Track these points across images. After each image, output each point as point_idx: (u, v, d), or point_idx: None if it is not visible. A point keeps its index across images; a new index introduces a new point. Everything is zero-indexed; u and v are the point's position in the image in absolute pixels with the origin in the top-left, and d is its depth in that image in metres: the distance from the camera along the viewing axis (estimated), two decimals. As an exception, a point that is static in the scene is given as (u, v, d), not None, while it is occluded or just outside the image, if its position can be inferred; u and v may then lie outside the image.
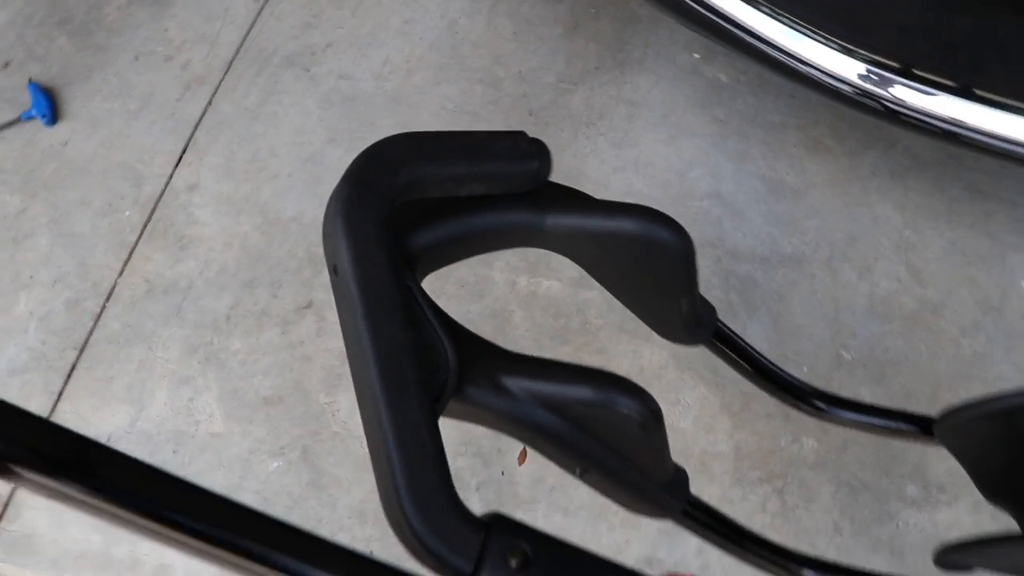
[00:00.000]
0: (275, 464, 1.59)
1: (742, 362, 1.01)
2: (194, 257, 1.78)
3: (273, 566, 0.53)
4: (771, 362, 1.03)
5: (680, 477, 0.83)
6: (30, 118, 1.93)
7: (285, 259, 1.80)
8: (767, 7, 1.67)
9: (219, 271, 1.77)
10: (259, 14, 2.15)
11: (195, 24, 2.13)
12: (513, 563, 0.57)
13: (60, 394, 1.63)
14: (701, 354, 1.74)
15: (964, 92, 1.62)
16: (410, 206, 0.78)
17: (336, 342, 1.70)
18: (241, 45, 2.09)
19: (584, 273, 0.90)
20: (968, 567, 0.92)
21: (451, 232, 0.81)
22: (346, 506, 1.56)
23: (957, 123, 1.64)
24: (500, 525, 0.58)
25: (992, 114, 1.62)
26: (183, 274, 1.77)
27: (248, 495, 1.55)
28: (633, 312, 0.90)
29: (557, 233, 0.82)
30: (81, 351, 1.68)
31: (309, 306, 1.74)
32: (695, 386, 1.70)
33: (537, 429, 0.73)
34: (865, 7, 1.60)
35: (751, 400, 1.70)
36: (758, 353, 1.02)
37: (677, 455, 0.92)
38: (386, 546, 1.52)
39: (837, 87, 1.68)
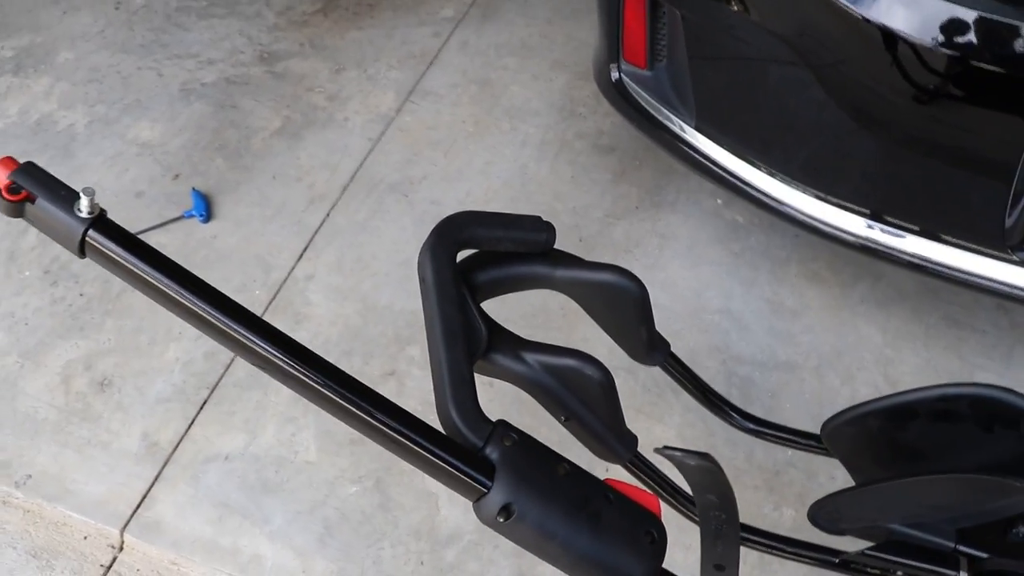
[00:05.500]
0: (354, 488, 2.01)
1: (688, 383, 1.41)
2: (306, 329, 2.26)
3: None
4: (711, 388, 1.43)
5: (630, 438, 1.23)
6: (190, 216, 2.48)
7: (376, 337, 2.27)
8: (764, 167, 2.13)
9: (324, 341, 2.24)
10: (371, 151, 2.71)
11: (321, 155, 2.70)
12: (507, 443, 0.97)
13: (193, 421, 2.09)
14: (695, 436, 2.13)
15: (925, 233, 2.03)
16: (477, 259, 1.23)
17: (412, 402, 2.13)
18: (355, 173, 2.65)
19: None
20: (840, 531, 1.28)
21: (497, 274, 1.26)
22: (406, 526, 1.96)
23: (921, 258, 2.05)
24: (503, 425, 0.99)
25: (947, 250, 2.03)
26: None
27: (329, 510, 1.97)
28: (610, 337, 1.32)
29: (562, 280, 1.26)
30: (212, 390, 2.15)
31: (392, 373, 2.20)
32: (696, 458, 2.07)
33: (538, 385, 1.16)
34: (833, 162, 2.05)
35: (741, 474, 2.07)
36: (701, 380, 1.43)
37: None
38: (434, 559, 1.91)
39: (818, 227, 2.11)
